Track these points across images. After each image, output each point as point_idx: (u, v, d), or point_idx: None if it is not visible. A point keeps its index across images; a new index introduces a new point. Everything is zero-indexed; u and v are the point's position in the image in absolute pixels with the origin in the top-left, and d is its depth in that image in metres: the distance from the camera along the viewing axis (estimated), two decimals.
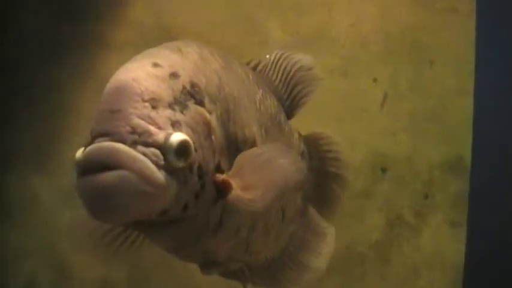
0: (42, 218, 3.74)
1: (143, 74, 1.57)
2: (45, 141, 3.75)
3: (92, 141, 1.49)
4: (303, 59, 2.25)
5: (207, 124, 1.63)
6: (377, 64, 3.49)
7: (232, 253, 1.91)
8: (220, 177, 1.65)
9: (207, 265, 1.90)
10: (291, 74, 2.21)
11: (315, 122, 3.40)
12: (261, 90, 2.03)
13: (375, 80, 3.48)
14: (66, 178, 3.56)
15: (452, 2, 3.46)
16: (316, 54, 3.44)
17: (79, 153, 1.50)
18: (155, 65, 1.61)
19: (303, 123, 3.38)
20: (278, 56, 2.21)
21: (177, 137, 1.50)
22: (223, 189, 1.66)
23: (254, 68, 2.16)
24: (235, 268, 2.05)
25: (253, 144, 1.85)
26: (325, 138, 2.36)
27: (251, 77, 2.04)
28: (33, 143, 3.76)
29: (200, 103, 1.64)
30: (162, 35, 3.54)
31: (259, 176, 1.69)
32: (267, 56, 2.23)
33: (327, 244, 2.27)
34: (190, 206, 1.59)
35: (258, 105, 1.97)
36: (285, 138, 2.12)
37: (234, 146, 1.76)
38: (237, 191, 1.66)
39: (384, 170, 3.47)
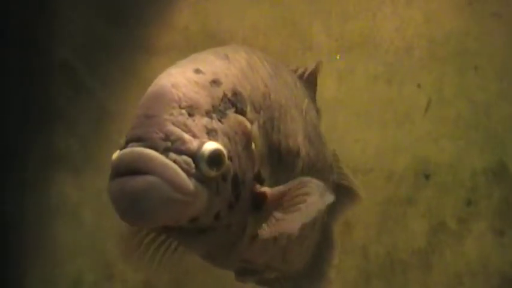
0: (88, 219, 3.79)
1: (183, 80, 1.57)
2: (91, 142, 3.79)
3: (126, 145, 1.50)
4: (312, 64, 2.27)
5: (246, 134, 1.62)
6: (421, 70, 3.46)
7: (269, 262, 1.90)
8: (260, 189, 1.65)
9: (243, 273, 1.90)
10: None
11: (358, 128, 3.42)
12: (306, 100, 2.04)
13: (418, 86, 3.46)
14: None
15: (496, 7, 3.42)
16: (360, 59, 3.48)
17: (115, 156, 1.52)
18: (197, 71, 1.61)
19: (347, 128, 3.40)
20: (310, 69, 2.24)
21: (210, 145, 1.49)
22: (261, 197, 1.66)
23: (301, 76, 2.16)
24: (271, 277, 2.04)
25: (297, 154, 1.84)
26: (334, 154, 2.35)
27: (299, 85, 2.04)
28: (80, 144, 3.81)
29: (241, 111, 1.63)
30: (206, 40, 3.56)
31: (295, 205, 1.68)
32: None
33: (336, 256, 2.26)
34: (222, 215, 1.58)
35: (304, 115, 1.96)
36: (323, 150, 2.12)
37: (277, 155, 1.75)
38: (271, 203, 1.66)
39: (427, 177, 3.44)
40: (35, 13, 3.86)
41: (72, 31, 3.83)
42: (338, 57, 2.12)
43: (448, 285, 3.40)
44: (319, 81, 2.29)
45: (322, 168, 2.06)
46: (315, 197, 1.67)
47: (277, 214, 1.65)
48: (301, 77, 2.16)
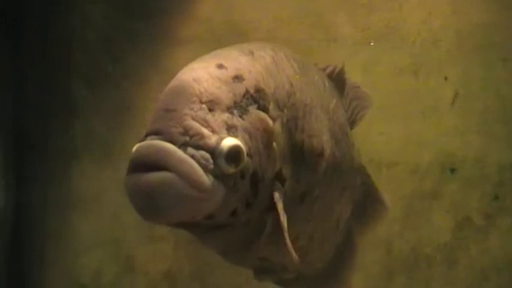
0: (109, 211, 3.79)
1: (205, 75, 1.55)
2: (112, 134, 3.79)
3: (144, 138, 1.49)
4: (349, 78, 2.22)
5: (268, 131, 1.59)
6: (448, 62, 3.42)
7: (287, 261, 1.86)
8: (279, 191, 1.62)
9: (261, 272, 1.87)
10: (348, 89, 2.18)
11: (383, 121, 3.38)
12: (334, 100, 2.00)
13: (445, 78, 3.41)
14: None
15: None
16: (386, 51, 3.43)
17: (134, 148, 1.50)
18: (220, 66, 1.59)
19: (372, 121, 3.36)
20: (337, 70, 2.20)
21: (229, 141, 1.47)
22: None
23: (330, 75, 2.13)
24: (290, 277, 2.01)
25: (321, 154, 1.81)
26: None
27: (327, 84, 2.01)
28: (100, 136, 3.81)
29: (264, 108, 1.60)
30: (230, 31, 3.53)
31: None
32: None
33: (356, 260, 2.23)
34: (239, 212, 1.56)
35: (331, 115, 1.93)
36: (350, 151, 2.09)
37: (300, 154, 1.73)
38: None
39: (452, 171, 3.40)
40: (57, 4, 3.86)
41: (94, 22, 3.82)
42: (372, 44, 2.10)
43: (473, 281, 3.36)
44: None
45: (348, 169, 2.03)
46: None
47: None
48: (329, 76, 2.13)
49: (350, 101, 2.18)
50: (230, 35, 3.51)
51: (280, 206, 1.60)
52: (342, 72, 2.17)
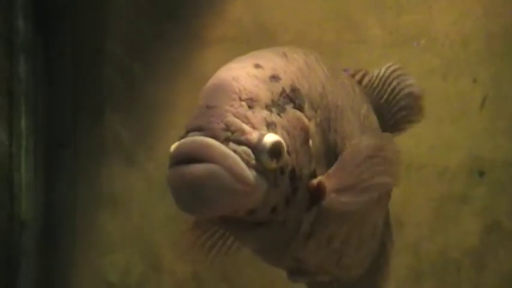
0: (138, 210, 3.82)
1: (244, 74, 1.58)
2: (141, 134, 3.82)
3: (186, 134, 1.50)
4: (414, 85, 2.17)
5: (304, 129, 1.62)
6: (477, 64, 3.39)
7: (323, 264, 1.88)
8: (315, 181, 1.64)
9: (296, 273, 1.88)
10: (399, 96, 2.15)
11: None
12: (365, 105, 2.01)
13: (474, 81, 3.39)
14: (162, 171, 3.61)
15: None
16: (414, 53, 3.42)
17: (173, 146, 1.52)
18: (257, 66, 1.62)
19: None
20: (389, 72, 2.15)
21: (270, 137, 1.50)
22: (317, 194, 1.64)
23: (360, 81, 2.12)
24: (324, 280, 2.01)
25: None
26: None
27: (357, 90, 2.01)
28: (130, 135, 3.84)
29: (299, 108, 1.63)
30: (259, 32, 3.54)
31: (357, 177, 1.66)
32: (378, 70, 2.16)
33: (390, 270, 2.21)
34: (279, 209, 1.57)
35: (362, 119, 1.94)
36: None
37: (333, 155, 1.74)
38: (331, 195, 1.64)
39: (481, 174, 3.37)
40: (87, 4, 3.89)
41: (124, 22, 3.85)
42: (420, 42, 2.07)
43: (501, 285, 3.33)
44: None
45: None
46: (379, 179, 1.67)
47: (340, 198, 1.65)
48: (360, 82, 2.13)
49: (399, 109, 2.16)
50: (259, 36, 3.52)
51: (318, 180, 1.62)
52: (376, 78, 2.14)
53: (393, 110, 2.15)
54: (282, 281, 3.43)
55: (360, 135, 1.86)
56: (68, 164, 3.94)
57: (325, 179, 1.65)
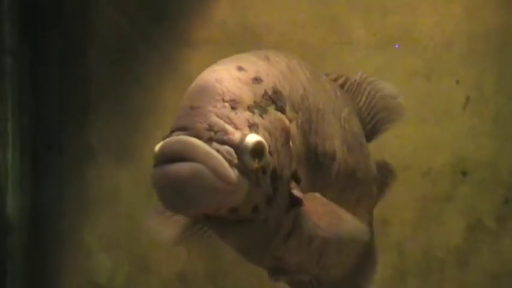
0: (122, 210, 3.82)
1: (227, 76, 1.61)
2: (127, 135, 3.83)
3: (170, 134, 1.53)
4: (388, 87, 2.21)
5: (285, 130, 1.65)
6: (460, 66, 3.43)
7: (303, 263, 1.90)
8: (297, 192, 1.66)
9: (276, 272, 1.91)
10: (375, 99, 2.19)
11: (397, 124, 3.40)
12: (347, 109, 2.04)
13: (457, 82, 3.43)
14: (148, 172, 3.61)
15: None
16: (398, 55, 3.45)
17: (158, 146, 1.54)
18: (240, 68, 1.65)
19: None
20: (362, 78, 2.18)
21: (252, 138, 1.53)
22: (297, 200, 1.67)
23: (342, 86, 2.16)
24: (304, 280, 2.04)
25: (333, 158, 1.85)
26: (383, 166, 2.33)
27: (339, 94, 2.05)
28: (116, 137, 3.84)
29: (281, 109, 1.66)
30: (244, 34, 3.56)
31: (332, 216, 1.71)
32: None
33: (376, 273, 2.25)
34: (260, 208, 1.60)
35: (342, 122, 1.97)
36: (366, 160, 2.11)
37: (314, 156, 1.77)
38: (308, 209, 1.68)
39: (464, 174, 3.41)
40: (73, 8, 3.90)
41: (109, 24, 3.86)
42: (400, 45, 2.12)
43: (484, 283, 3.37)
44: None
45: (363, 179, 2.06)
46: (352, 224, 1.72)
47: (313, 218, 1.69)
48: (342, 86, 2.16)
49: (377, 112, 2.19)
50: (244, 37, 3.54)
51: (299, 193, 1.67)
52: (353, 84, 2.18)
53: (371, 114, 2.19)
54: (268, 281, 3.46)
55: (339, 140, 1.89)
56: (55, 165, 3.94)
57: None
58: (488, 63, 3.41)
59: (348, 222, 1.73)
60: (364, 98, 2.17)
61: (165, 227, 1.90)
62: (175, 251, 3.71)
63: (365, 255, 2.19)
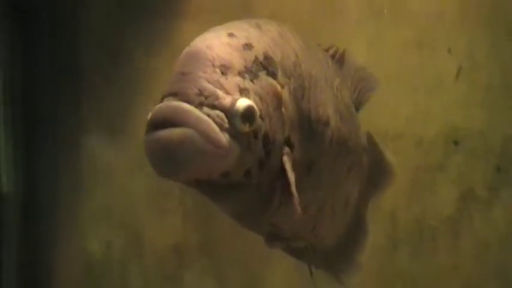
0: (117, 184, 3.84)
1: (217, 42, 1.63)
2: (120, 108, 3.83)
3: (162, 100, 1.56)
4: (356, 60, 2.25)
5: (277, 96, 1.67)
6: (452, 35, 3.42)
7: (298, 230, 1.94)
8: (284, 155, 1.69)
9: (272, 238, 1.93)
10: (354, 71, 2.22)
11: (388, 94, 3.40)
12: (338, 79, 2.06)
13: (449, 51, 3.43)
14: (139, 144, 3.62)
15: None
16: (390, 25, 3.44)
17: (150, 113, 1.57)
18: (230, 35, 1.67)
19: (378, 94, 3.38)
20: (342, 51, 2.22)
21: (243, 102, 1.55)
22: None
23: (332, 57, 2.17)
24: (300, 246, 2.07)
25: (326, 124, 1.88)
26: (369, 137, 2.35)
27: (330, 64, 2.07)
28: (109, 110, 3.85)
29: (272, 75, 1.68)
30: (236, 4, 3.55)
31: None
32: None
33: (367, 242, 2.28)
34: (253, 172, 1.62)
35: (335, 91, 1.99)
36: (356, 131, 2.13)
37: (307, 123, 1.79)
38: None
39: (456, 143, 3.42)
40: None
41: None
42: (385, 12, 2.13)
43: (476, 251, 3.40)
44: (349, 47, 2.28)
45: (354, 148, 2.09)
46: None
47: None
48: (333, 57, 2.17)
49: (356, 83, 2.23)
50: (236, 7, 3.53)
51: (288, 165, 1.69)
52: (344, 55, 2.20)
53: (354, 84, 2.22)
54: (262, 252, 3.48)
55: (332, 108, 1.90)
56: (48, 138, 3.94)
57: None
58: (480, 32, 3.41)
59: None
60: (347, 70, 2.19)
61: None
62: (170, 224, 3.73)
63: (356, 226, 2.22)
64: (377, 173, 2.32)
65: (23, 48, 3.93)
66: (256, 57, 1.65)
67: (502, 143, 3.40)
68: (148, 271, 3.80)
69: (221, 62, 1.58)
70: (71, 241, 3.93)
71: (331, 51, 2.18)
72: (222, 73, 1.57)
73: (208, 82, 1.55)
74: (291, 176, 1.68)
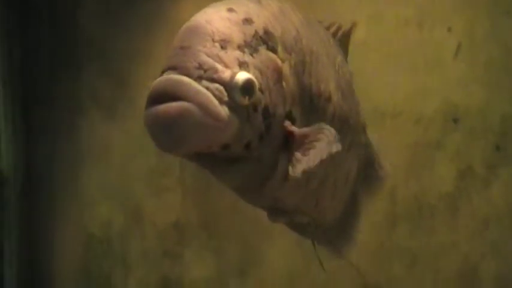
0: (115, 163, 3.84)
1: (217, 17, 1.63)
2: (118, 87, 3.83)
3: (161, 74, 1.56)
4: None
5: (277, 70, 1.67)
6: (452, 13, 3.43)
7: (301, 204, 1.93)
8: (288, 126, 1.69)
9: (274, 212, 1.94)
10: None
11: (388, 71, 3.41)
12: (340, 56, 2.06)
13: (449, 30, 3.43)
14: (141, 123, 3.63)
15: None
16: (390, 3, 3.44)
17: (152, 84, 1.57)
18: (230, 10, 1.67)
19: (377, 72, 3.39)
20: (353, 29, 2.23)
21: (241, 75, 1.55)
22: (291, 139, 1.70)
23: (334, 35, 2.17)
24: (302, 221, 2.07)
25: (328, 99, 1.87)
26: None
27: (332, 42, 2.07)
28: (107, 89, 3.85)
29: (272, 50, 1.68)
30: None
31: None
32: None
33: (362, 221, 2.29)
34: (253, 145, 1.63)
35: (336, 68, 1.99)
36: (357, 109, 2.14)
37: (308, 97, 1.79)
38: (298, 140, 1.71)
39: (455, 121, 3.43)
40: None
41: None
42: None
43: (474, 229, 3.42)
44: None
45: (354, 126, 2.09)
46: (323, 143, 1.73)
47: (297, 155, 1.71)
48: (334, 35, 2.17)
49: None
50: None
51: (293, 127, 1.70)
52: (347, 34, 2.20)
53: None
54: (261, 228, 3.50)
55: (334, 83, 1.91)
56: (46, 118, 3.94)
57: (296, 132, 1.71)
58: (480, 11, 3.41)
59: (318, 147, 1.74)
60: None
61: None
62: (169, 201, 3.75)
63: (352, 203, 2.23)
64: (370, 175, 2.32)
65: (20, 32, 3.92)
66: (256, 32, 1.65)
67: (501, 121, 3.41)
68: (148, 248, 3.82)
69: (221, 36, 1.59)
70: (71, 220, 3.95)
71: (332, 29, 2.18)
72: (222, 47, 1.58)
73: (208, 56, 1.55)
74: (297, 131, 1.69)
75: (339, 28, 2.20)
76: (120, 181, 3.84)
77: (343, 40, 2.22)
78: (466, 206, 3.42)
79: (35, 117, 3.97)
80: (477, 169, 3.42)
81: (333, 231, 2.19)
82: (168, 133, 1.50)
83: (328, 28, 2.17)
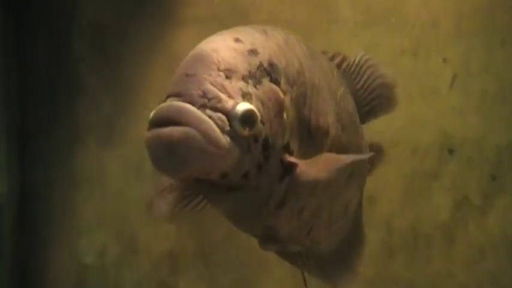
0: (111, 190, 3.83)
1: (223, 46, 1.66)
2: (114, 114, 3.83)
3: (165, 100, 1.58)
4: (388, 74, 2.24)
5: (279, 102, 1.69)
6: (447, 44, 3.45)
7: (293, 234, 1.94)
8: (289, 157, 1.71)
9: (266, 240, 1.94)
10: (374, 85, 2.21)
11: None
12: (342, 88, 2.07)
13: (444, 60, 3.45)
14: (136, 151, 3.65)
15: None
16: (385, 33, 3.46)
17: (154, 110, 1.58)
18: (237, 40, 1.70)
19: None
20: (363, 61, 2.20)
21: (244, 106, 1.58)
22: (290, 167, 1.72)
23: (339, 66, 2.18)
24: (294, 251, 2.07)
25: (326, 133, 1.89)
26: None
27: (335, 73, 2.08)
28: (103, 115, 3.85)
29: (275, 82, 1.70)
30: (232, 12, 3.57)
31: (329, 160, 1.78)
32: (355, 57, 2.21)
33: (364, 252, 2.28)
34: (251, 175, 1.64)
35: (338, 100, 2.01)
36: (358, 140, 2.14)
37: (307, 130, 1.81)
38: (302, 167, 1.73)
39: (451, 151, 3.44)
40: None
41: (97, 4, 3.85)
42: (393, 20, 2.13)
43: (471, 259, 3.41)
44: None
45: None
46: (350, 157, 1.80)
47: (312, 171, 1.74)
48: (338, 66, 2.18)
49: (374, 97, 2.21)
50: (232, 16, 3.54)
51: (293, 159, 1.72)
52: (352, 65, 2.19)
53: (368, 98, 2.22)
54: (257, 258, 3.48)
55: (333, 116, 1.91)
56: (42, 145, 3.94)
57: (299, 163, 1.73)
58: (475, 42, 3.43)
59: (346, 158, 1.79)
60: (362, 81, 2.20)
61: (158, 203, 1.94)
62: (164, 230, 3.73)
63: (353, 234, 2.22)
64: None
65: (17, 60, 3.93)
66: (260, 63, 1.68)
67: (497, 151, 3.42)
68: (143, 277, 3.79)
69: (226, 66, 1.61)
70: (65, 249, 3.93)
71: (337, 60, 2.19)
72: (226, 77, 1.60)
73: (212, 85, 1.57)
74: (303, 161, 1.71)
75: (343, 59, 2.21)
76: (115, 209, 3.83)
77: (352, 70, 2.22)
78: (463, 235, 3.42)
79: (30, 144, 3.96)
80: (473, 199, 3.42)
81: (329, 262, 2.18)
82: (170, 155, 1.52)
83: (332, 58, 2.18)
